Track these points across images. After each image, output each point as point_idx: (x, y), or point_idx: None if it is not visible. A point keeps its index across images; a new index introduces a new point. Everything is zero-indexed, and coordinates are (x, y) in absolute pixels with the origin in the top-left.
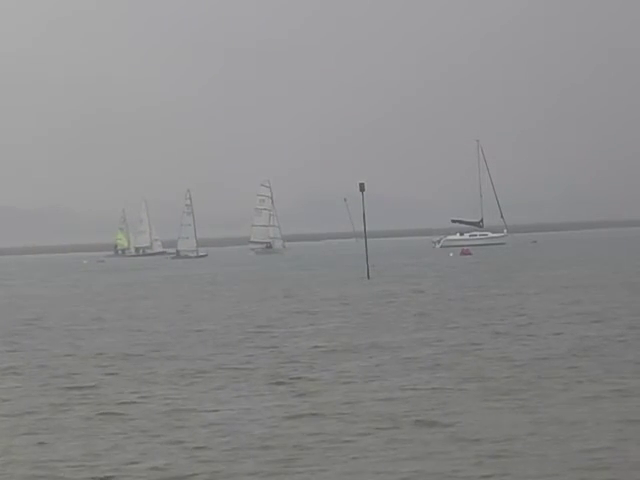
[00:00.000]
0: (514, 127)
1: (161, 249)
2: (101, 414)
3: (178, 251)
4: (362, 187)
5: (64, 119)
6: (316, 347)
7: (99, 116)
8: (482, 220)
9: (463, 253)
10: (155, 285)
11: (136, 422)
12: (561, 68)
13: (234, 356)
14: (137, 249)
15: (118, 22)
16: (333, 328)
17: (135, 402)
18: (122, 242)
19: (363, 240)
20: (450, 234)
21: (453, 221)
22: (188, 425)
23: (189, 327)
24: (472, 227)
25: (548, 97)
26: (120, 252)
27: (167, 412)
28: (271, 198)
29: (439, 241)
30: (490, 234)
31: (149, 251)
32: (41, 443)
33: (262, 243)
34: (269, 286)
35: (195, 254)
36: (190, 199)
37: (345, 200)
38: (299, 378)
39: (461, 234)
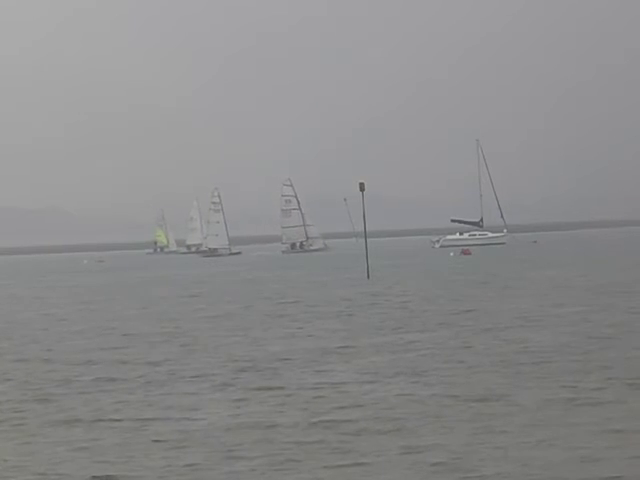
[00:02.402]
0: (514, 127)
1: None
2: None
3: (210, 249)
4: (362, 187)
5: (64, 119)
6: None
7: (99, 115)
8: (482, 220)
9: (463, 253)
10: (129, 287)
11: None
12: (562, 68)
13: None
14: (189, 246)
15: (117, 22)
16: (312, 331)
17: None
18: (161, 239)
19: (363, 240)
20: (450, 234)
21: (453, 221)
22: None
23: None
24: (472, 227)
25: (548, 97)
26: (159, 249)
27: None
28: (296, 197)
29: (438, 241)
30: (490, 234)
31: (202, 248)
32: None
33: (288, 243)
34: (263, 288)
35: (228, 252)
36: (219, 196)
37: (345, 200)
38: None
39: (461, 234)
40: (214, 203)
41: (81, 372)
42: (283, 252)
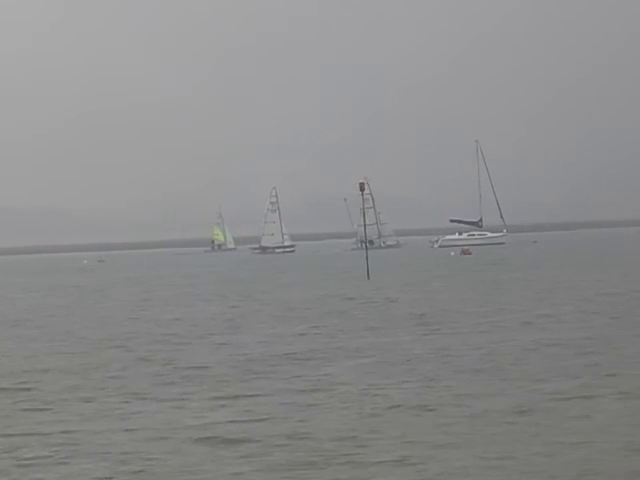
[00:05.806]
0: (514, 127)
1: (290, 243)
2: None
3: (262, 247)
4: (362, 187)
5: (63, 118)
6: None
7: (98, 114)
8: (481, 220)
9: (463, 253)
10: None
11: None
12: (560, 67)
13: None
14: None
15: (115, 19)
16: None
17: None
18: (219, 237)
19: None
20: (449, 234)
21: (452, 221)
22: None
23: None
24: (471, 227)
25: (548, 96)
26: (217, 247)
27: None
28: (371, 195)
29: (437, 241)
30: (489, 234)
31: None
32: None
33: (360, 241)
34: (257, 285)
35: (282, 250)
36: (276, 196)
37: (345, 200)
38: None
39: (460, 234)
40: (272, 203)
41: None
42: (353, 249)
